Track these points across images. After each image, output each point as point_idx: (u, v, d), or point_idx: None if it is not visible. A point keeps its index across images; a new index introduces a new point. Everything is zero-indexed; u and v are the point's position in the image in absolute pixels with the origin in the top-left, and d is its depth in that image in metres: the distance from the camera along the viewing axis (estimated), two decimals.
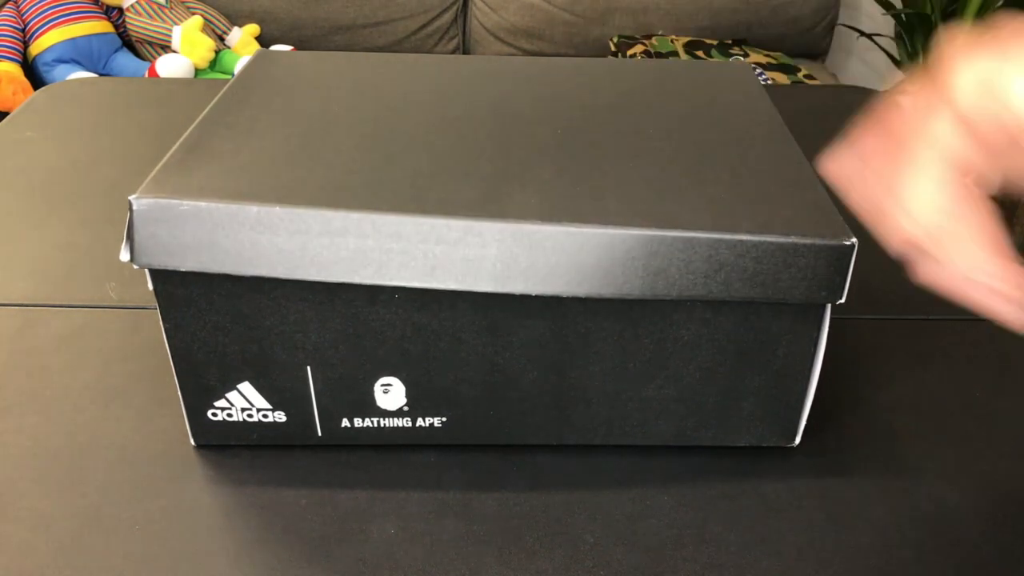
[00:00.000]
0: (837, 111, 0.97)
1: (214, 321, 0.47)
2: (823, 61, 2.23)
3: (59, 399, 0.56)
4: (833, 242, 0.43)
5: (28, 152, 0.87)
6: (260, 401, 0.50)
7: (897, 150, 0.34)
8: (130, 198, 0.43)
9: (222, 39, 1.99)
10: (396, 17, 2.10)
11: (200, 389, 0.49)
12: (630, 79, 0.60)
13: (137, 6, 1.88)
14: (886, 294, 0.67)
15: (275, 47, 2.04)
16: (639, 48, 1.97)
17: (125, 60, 1.90)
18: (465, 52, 2.22)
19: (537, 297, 0.45)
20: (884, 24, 2.16)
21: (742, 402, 0.50)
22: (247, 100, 0.55)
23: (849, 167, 0.37)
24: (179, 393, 0.50)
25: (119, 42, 1.93)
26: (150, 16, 1.88)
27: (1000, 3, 1.83)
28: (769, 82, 1.77)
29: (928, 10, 1.85)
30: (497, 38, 2.14)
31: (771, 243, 0.43)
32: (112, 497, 0.49)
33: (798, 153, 0.51)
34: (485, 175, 0.47)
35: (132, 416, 0.54)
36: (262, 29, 2.06)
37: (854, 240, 0.43)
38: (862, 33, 2.02)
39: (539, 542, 0.47)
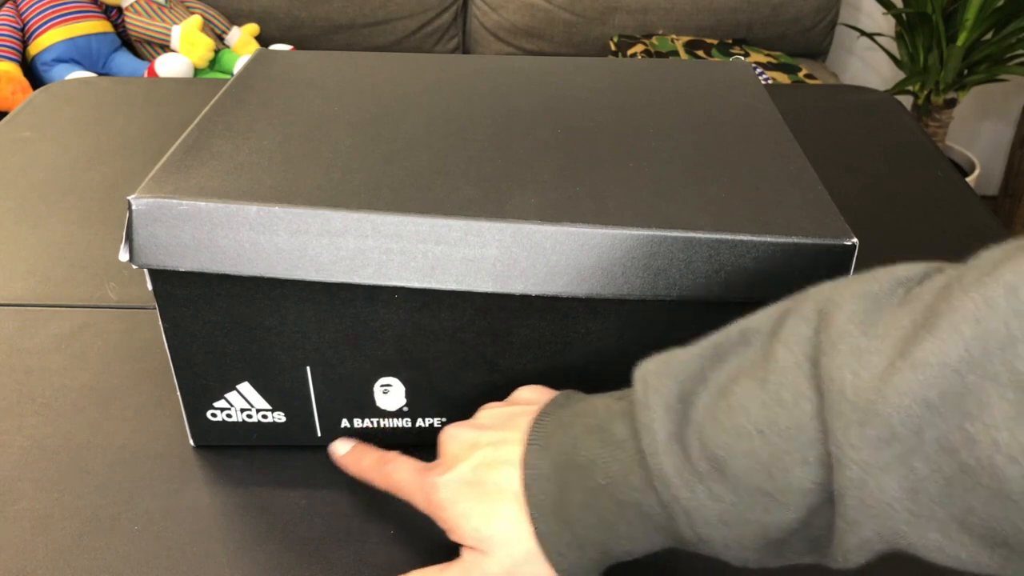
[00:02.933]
0: (837, 111, 0.97)
1: (213, 321, 0.47)
2: (824, 61, 2.23)
3: (59, 399, 0.55)
4: (833, 242, 0.43)
5: (27, 152, 0.87)
6: (259, 401, 0.50)
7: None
8: (129, 198, 0.43)
9: (221, 39, 1.99)
10: (396, 16, 2.10)
11: (199, 389, 0.49)
12: (630, 79, 0.60)
13: (136, 5, 1.88)
14: None
15: (274, 47, 2.04)
16: (639, 48, 1.97)
17: (124, 60, 1.90)
18: (465, 52, 2.22)
19: (537, 297, 0.45)
20: (885, 24, 2.16)
21: None
22: (246, 100, 0.54)
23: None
24: (178, 394, 0.50)
25: (118, 42, 1.93)
26: (149, 16, 1.88)
27: (1000, 3, 1.83)
28: (770, 81, 1.77)
29: (928, 10, 1.85)
30: (497, 38, 2.14)
31: (771, 243, 0.43)
32: (112, 497, 0.49)
33: (798, 153, 0.51)
34: (485, 175, 0.47)
35: (132, 416, 0.54)
36: (261, 29, 2.05)
37: (854, 240, 0.43)
38: (863, 33, 2.02)
39: None
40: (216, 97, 0.55)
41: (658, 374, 0.36)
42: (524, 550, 0.39)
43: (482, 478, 0.40)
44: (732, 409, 0.33)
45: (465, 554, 0.41)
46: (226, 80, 1.03)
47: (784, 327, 0.33)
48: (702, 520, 0.34)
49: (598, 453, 0.37)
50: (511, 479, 0.39)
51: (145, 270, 0.45)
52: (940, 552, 0.30)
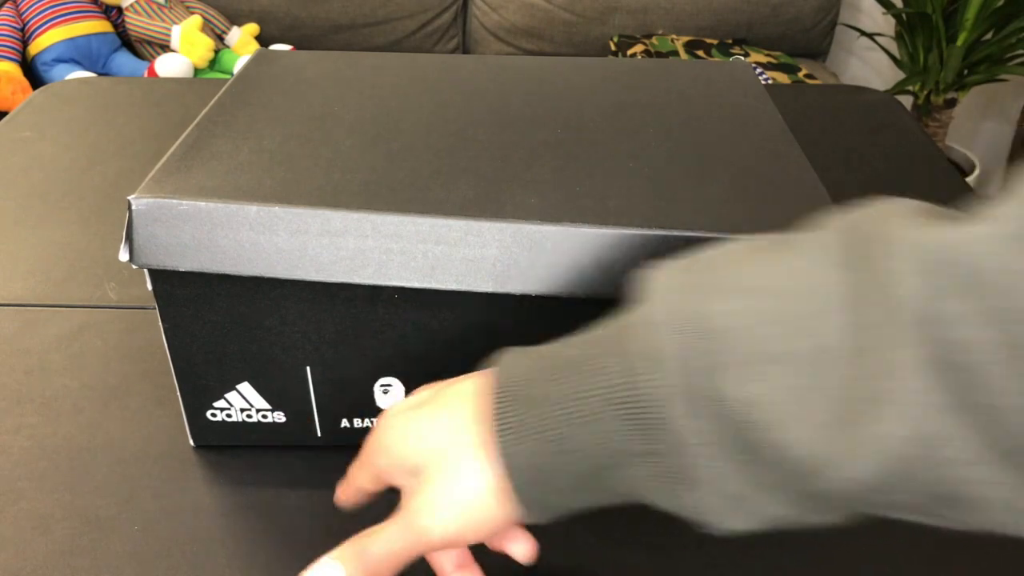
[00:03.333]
0: (837, 111, 0.97)
1: (213, 321, 0.47)
2: (824, 61, 2.23)
3: (59, 399, 0.55)
4: None
5: (27, 152, 0.87)
6: (259, 401, 0.50)
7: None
8: (129, 198, 0.43)
9: (221, 39, 1.99)
10: (396, 16, 2.10)
11: (199, 389, 0.49)
12: (630, 79, 0.60)
13: (136, 5, 1.88)
14: None
15: (274, 46, 2.04)
16: (639, 48, 1.97)
17: (124, 60, 1.90)
18: (465, 52, 2.22)
19: (537, 297, 0.45)
20: (885, 24, 2.16)
21: None
22: (246, 100, 0.55)
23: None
24: (178, 394, 0.50)
25: (118, 41, 1.93)
26: (149, 15, 1.88)
27: (1000, 3, 1.83)
28: (769, 81, 1.77)
29: (928, 10, 1.85)
30: (497, 38, 2.14)
31: None
32: (112, 497, 0.49)
33: (798, 153, 0.51)
34: (485, 175, 0.47)
35: (132, 416, 0.54)
36: (261, 28, 2.06)
37: None
38: (863, 33, 2.02)
39: (540, 542, 0.47)
40: (216, 97, 0.55)
41: (673, 262, 0.32)
42: (466, 448, 0.33)
43: (436, 396, 0.36)
44: (742, 274, 0.29)
45: (403, 497, 0.36)
46: (226, 80, 1.02)
47: (806, 236, 0.30)
48: (662, 371, 0.29)
49: (584, 343, 0.33)
50: (469, 384, 0.35)
51: (145, 270, 0.45)
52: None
